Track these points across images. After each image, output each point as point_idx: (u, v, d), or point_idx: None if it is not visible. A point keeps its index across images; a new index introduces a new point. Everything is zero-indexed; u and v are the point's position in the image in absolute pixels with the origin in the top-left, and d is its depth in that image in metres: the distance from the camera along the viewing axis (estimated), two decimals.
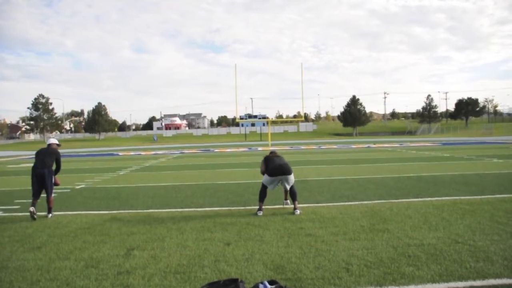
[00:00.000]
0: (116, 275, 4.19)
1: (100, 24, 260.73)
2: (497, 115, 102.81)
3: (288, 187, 7.40)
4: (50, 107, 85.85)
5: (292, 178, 7.37)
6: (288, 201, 7.79)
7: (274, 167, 7.30)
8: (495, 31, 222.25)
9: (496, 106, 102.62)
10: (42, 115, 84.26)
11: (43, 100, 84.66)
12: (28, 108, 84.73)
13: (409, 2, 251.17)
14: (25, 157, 32.78)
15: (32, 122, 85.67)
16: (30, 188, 7.52)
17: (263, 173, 7.59)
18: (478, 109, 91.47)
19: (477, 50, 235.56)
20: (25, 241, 5.67)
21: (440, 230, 5.60)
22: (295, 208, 7.22)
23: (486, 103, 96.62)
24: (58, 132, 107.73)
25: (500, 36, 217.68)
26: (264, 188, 7.39)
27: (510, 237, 5.14)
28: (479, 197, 8.19)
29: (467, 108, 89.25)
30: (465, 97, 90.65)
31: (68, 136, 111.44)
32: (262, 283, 3.34)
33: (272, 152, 7.95)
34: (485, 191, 8.88)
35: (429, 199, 8.12)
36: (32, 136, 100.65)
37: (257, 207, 7.39)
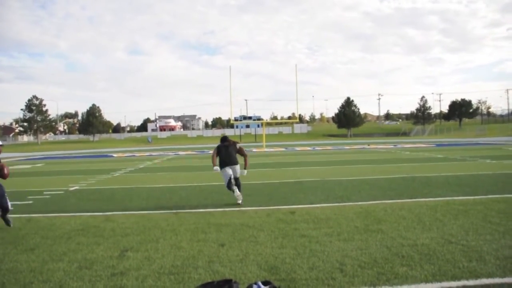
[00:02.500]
0: (110, 276, 4.17)
1: (94, 26, 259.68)
2: (490, 116, 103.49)
3: (234, 177, 8.30)
4: (44, 109, 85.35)
5: (237, 168, 8.38)
6: (237, 188, 8.23)
7: (222, 161, 8.40)
8: (487, 33, 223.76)
9: (489, 108, 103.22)
10: (35, 116, 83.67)
11: (37, 102, 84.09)
12: (21, 109, 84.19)
13: (402, 4, 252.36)
14: (19, 159, 32.59)
15: (25, 124, 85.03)
16: (24, 190, 7.48)
17: (214, 166, 8.52)
18: (471, 110, 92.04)
19: (470, 52, 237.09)
20: (18, 243, 5.63)
21: (433, 231, 5.63)
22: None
23: (479, 104, 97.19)
24: (52, 134, 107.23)
25: (493, 38, 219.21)
26: (229, 182, 8.21)
27: (503, 237, 5.18)
28: (472, 197, 8.24)
29: (460, 110, 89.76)
30: (459, 99, 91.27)
31: (62, 137, 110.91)
32: (256, 283, 3.34)
33: (223, 140, 8.65)
34: (478, 191, 8.94)
35: (423, 199, 8.15)
36: (25, 138, 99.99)
37: (252, 207, 7.42)
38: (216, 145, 8.70)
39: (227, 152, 8.43)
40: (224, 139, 8.61)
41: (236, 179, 8.37)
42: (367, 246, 4.99)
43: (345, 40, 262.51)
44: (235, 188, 8.11)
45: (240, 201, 8.08)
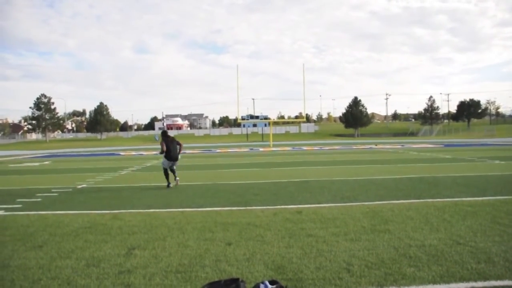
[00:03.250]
0: (117, 274, 4.19)
1: (102, 25, 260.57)
2: (499, 116, 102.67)
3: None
4: (52, 107, 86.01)
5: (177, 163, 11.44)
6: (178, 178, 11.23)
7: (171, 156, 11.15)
8: (497, 33, 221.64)
9: (498, 108, 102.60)
10: (44, 114, 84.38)
11: (45, 100, 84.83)
12: (30, 107, 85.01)
13: (410, 3, 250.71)
14: (27, 157, 32.86)
15: (34, 122, 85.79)
16: (33, 187, 7.54)
17: (162, 152, 11.02)
18: (480, 110, 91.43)
19: (479, 52, 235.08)
20: (27, 240, 5.68)
21: (441, 231, 5.60)
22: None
23: (488, 104, 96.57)
24: (60, 132, 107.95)
25: (502, 38, 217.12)
26: (166, 170, 11.15)
27: None
28: (480, 198, 8.17)
29: (469, 110, 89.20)
30: (467, 99, 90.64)
31: (70, 135, 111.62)
32: (263, 283, 3.34)
33: (165, 133, 11.34)
34: (486, 192, 8.87)
35: (430, 200, 8.10)
36: (34, 136, 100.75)
37: (259, 207, 7.44)
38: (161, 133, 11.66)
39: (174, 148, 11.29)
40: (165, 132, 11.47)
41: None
42: (374, 246, 4.97)
43: (352, 40, 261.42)
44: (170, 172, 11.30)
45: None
